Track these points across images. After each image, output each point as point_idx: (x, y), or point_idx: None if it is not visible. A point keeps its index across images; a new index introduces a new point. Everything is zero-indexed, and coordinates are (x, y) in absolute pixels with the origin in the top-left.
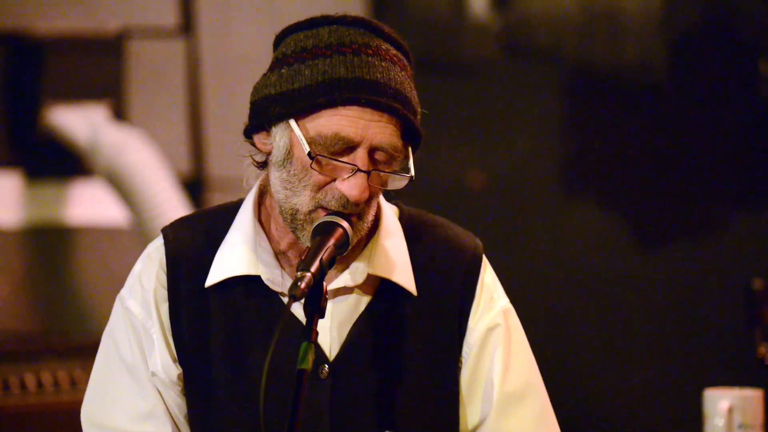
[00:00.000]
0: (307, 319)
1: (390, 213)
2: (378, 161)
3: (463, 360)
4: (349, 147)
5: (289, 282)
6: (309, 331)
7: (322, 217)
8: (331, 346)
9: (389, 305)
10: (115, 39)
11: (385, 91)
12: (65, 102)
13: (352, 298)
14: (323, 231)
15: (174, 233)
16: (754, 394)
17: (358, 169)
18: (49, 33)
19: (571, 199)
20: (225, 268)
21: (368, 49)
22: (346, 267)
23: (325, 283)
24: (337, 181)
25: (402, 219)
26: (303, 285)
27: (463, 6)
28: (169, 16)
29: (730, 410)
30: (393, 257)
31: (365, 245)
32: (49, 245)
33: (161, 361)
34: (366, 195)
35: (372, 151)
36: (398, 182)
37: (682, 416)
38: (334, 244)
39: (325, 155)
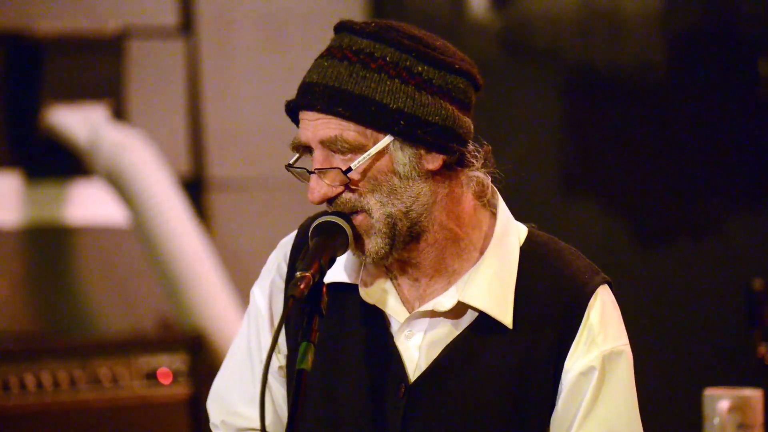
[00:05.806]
0: (307, 320)
1: (511, 239)
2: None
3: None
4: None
5: (392, 297)
6: (308, 332)
7: (320, 218)
8: (417, 366)
9: (485, 336)
10: (115, 39)
11: (312, 90)
12: (65, 102)
13: (448, 322)
14: (321, 231)
15: (309, 225)
16: (754, 394)
17: (307, 171)
18: (49, 33)
19: (571, 199)
20: (332, 272)
21: (328, 52)
22: (445, 290)
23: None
24: None
25: (525, 245)
26: (302, 285)
27: (463, 6)
28: (169, 16)
29: (730, 410)
30: (494, 286)
31: (467, 270)
32: (49, 245)
33: (266, 350)
34: (325, 193)
35: (330, 148)
36: (340, 175)
37: (682, 416)
38: (333, 245)
39: (290, 165)
